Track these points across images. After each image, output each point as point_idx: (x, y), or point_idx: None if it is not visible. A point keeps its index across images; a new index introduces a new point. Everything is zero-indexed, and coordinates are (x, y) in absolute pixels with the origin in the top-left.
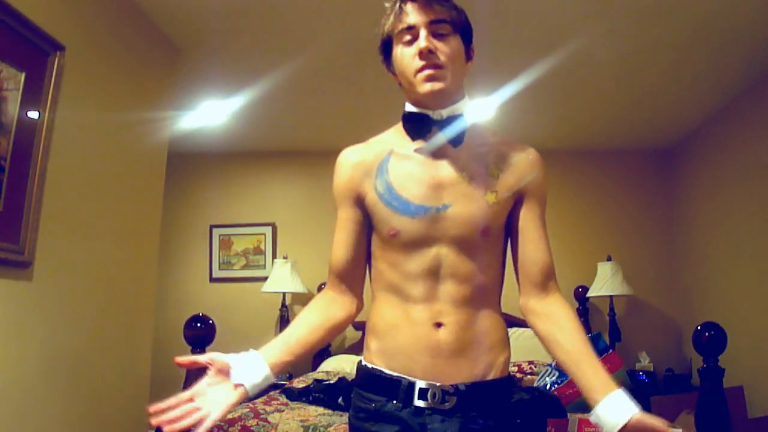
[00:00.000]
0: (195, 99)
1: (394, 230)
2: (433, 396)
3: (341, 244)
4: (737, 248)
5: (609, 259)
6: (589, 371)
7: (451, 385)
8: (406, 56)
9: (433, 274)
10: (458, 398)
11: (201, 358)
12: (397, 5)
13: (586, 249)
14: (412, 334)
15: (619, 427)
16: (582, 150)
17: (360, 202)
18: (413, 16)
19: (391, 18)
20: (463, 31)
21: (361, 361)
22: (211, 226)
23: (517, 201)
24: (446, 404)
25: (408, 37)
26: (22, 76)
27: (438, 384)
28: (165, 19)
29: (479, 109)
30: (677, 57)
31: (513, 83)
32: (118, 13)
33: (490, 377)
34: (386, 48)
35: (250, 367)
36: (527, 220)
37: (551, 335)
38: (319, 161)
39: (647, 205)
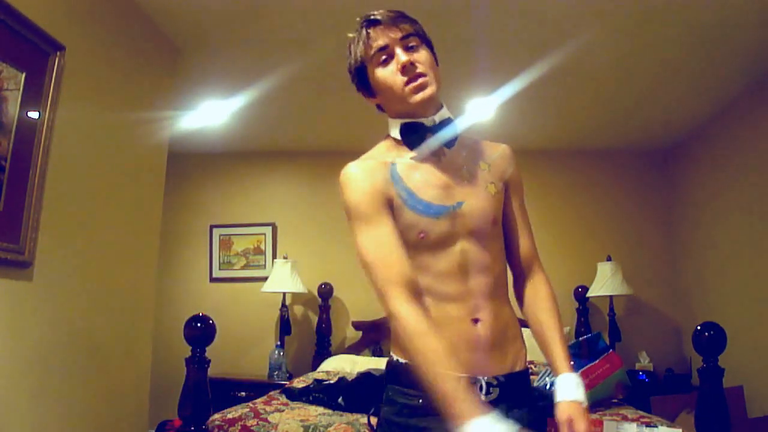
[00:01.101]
0: (195, 99)
1: (423, 233)
2: (480, 388)
3: (398, 248)
4: (737, 248)
5: (609, 259)
6: (549, 352)
7: (494, 377)
8: (388, 75)
9: (463, 270)
10: (500, 389)
11: None
12: (363, 31)
13: (586, 249)
14: (452, 331)
15: (557, 403)
16: (582, 150)
17: (390, 206)
18: (382, 37)
19: (360, 45)
20: (427, 40)
21: (393, 359)
22: (211, 226)
23: (506, 191)
24: (491, 395)
25: (384, 57)
26: (22, 76)
27: (482, 377)
28: (165, 19)
29: (479, 110)
30: (677, 57)
31: (513, 83)
32: (118, 13)
33: (518, 368)
34: (360, 75)
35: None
36: (511, 210)
37: (527, 317)
38: (319, 161)
39: (647, 205)
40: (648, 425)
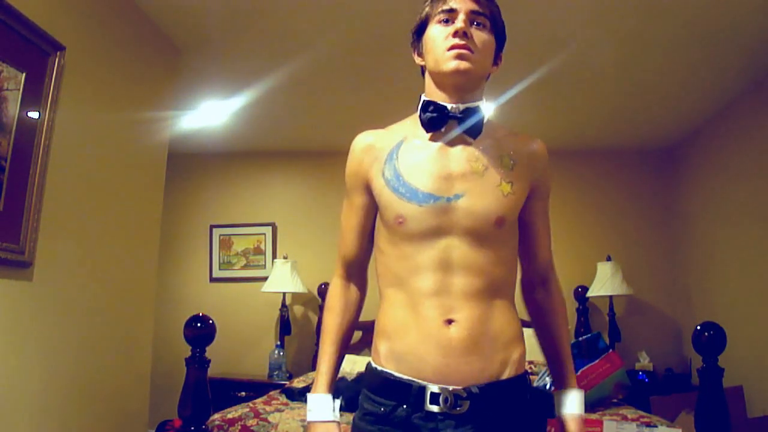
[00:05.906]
0: (195, 99)
1: (401, 218)
2: (445, 401)
3: (352, 231)
4: (737, 248)
5: (609, 259)
6: (559, 366)
7: (464, 389)
8: (439, 33)
9: (444, 266)
10: (471, 402)
11: None
12: None
13: (586, 249)
14: (421, 333)
15: (564, 415)
16: (582, 150)
17: (368, 189)
18: (457, 2)
19: (432, 1)
20: (498, 34)
21: (370, 363)
22: (211, 226)
23: (530, 193)
24: (459, 409)
25: (446, 18)
26: (22, 76)
27: (450, 388)
28: (165, 19)
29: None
30: (677, 57)
31: (513, 84)
32: (118, 13)
33: (505, 376)
34: (420, 30)
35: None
36: (535, 214)
37: (537, 324)
38: (319, 161)
39: (647, 205)
40: (648, 425)
